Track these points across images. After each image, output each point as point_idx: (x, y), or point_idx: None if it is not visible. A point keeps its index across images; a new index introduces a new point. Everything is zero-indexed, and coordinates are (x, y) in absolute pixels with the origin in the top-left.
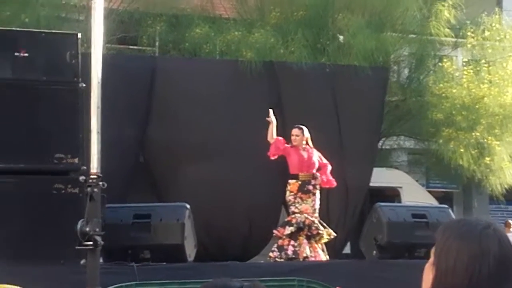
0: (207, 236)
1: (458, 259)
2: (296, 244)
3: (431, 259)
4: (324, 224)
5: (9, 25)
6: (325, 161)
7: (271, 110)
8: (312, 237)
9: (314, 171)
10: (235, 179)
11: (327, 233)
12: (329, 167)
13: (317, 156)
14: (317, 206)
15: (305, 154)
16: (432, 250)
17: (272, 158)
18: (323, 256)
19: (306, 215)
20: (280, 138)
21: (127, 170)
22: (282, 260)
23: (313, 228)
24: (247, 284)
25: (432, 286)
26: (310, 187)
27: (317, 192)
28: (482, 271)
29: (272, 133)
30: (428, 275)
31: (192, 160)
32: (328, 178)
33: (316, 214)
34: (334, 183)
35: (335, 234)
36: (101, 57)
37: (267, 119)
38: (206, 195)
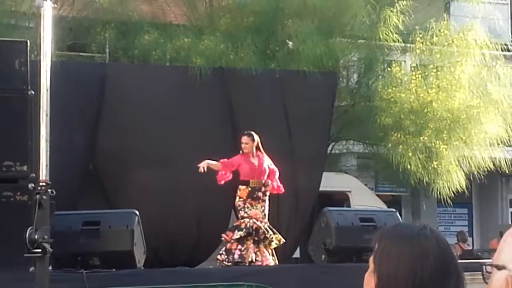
0: (157, 242)
1: (399, 263)
2: (243, 248)
3: (371, 267)
4: (274, 230)
5: None
6: (273, 167)
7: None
8: (261, 241)
9: (265, 177)
10: (184, 185)
11: (276, 239)
12: (277, 173)
13: (267, 163)
14: (267, 211)
15: (255, 161)
16: (371, 259)
17: (221, 183)
18: (271, 261)
19: (254, 220)
20: (223, 160)
21: (77, 177)
22: (229, 263)
23: (260, 232)
24: None
25: None
26: (260, 194)
27: (267, 199)
28: (424, 272)
29: (213, 165)
30: (369, 283)
31: (142, 167)
32: (277, 184)
33: (266, 219)
34: (283, 189)
35: (284, 240)
36: (50, 64)
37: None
38: (155, 201)
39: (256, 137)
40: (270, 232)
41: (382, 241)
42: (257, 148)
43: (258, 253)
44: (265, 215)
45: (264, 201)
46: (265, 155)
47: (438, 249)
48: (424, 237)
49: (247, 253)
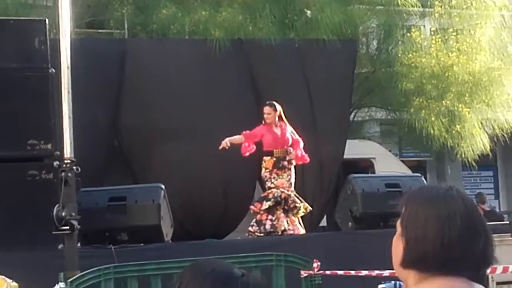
0: (184, 215)
1: (427, 225)
2: (273, 218)
3: (398, 231)
4: (300, 198)
5: None
6: (297, 137)
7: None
8: (290, 210)
9: (288, 146)
10: (209, 157)
11: (303, 207)
12: (301, 143)
13: (290, 132)
14: (293, 180)
15: (278, 131)
16: (398, 222)
17: (246, 155)
18: (301, 229)
19: (282, 189)
20: (245, 132)
21: (102, 153)
22: (261, 234)
23: (289, 201)
24: (246, 273)
25: (403, 257)
26: (285, 163)
27: (292, 167)
28: (452, 232)
29: (235, 139)
30: (397, 247)
31: (165, 142)
32: (301, 154)
33: (292, 188)
34: (307, 159)
35: (311, 208)
36: (69, 42)
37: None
38: (181, 175)
39: (278, 107)
40: (298, 200)
41: (408, 204)
42: (280, 117)
43: (288, 221)
44: (291, 184)
45: (289, 169)
46: (287, 124)
47: (464, 210)
48: (450, 198)
49: (279, 222)
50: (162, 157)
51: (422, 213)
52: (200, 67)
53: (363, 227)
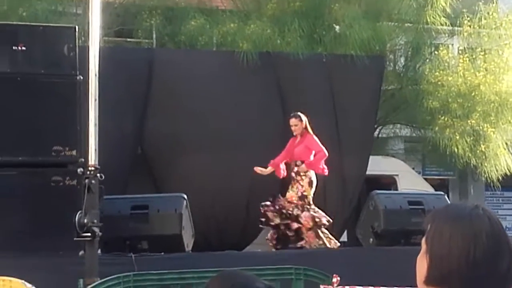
0: (206, 226)
1: (452, 243)
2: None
3: (423, 248)
4: (316, 209)
5: (7, 20)
6: (314, 147)
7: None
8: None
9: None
10: (232, 168)
11: (326, 220)
12: (321, 154)
13: (309, 143)
14: (307, 193)
15: (292, 143)
16: (423, 239)
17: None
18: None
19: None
20: (272, 161)
21: (126, 161)
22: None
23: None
24: (271, 286)
25: (427, 275)
26: (293, 175)
27: (304, 179)
28: (477, 251)
29: (269, 170)
30: (421, 264)
31: (190, 151)
32: (317, 162)
33: (305, 201)
34: (322, 171)
35: (331, 220)
36: (98, 50)
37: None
38: (204, 185)
39: (304, 118)
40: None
41: (434, 222)
42: (305, 128)
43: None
44: (300, 197)
45: (298, 181)
46: (312, 136)
47: (490, 228)
48: (476, 216)
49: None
50: (185, 167)
51: (447, 231)
52: (227, 79)
53: (384, 243)
